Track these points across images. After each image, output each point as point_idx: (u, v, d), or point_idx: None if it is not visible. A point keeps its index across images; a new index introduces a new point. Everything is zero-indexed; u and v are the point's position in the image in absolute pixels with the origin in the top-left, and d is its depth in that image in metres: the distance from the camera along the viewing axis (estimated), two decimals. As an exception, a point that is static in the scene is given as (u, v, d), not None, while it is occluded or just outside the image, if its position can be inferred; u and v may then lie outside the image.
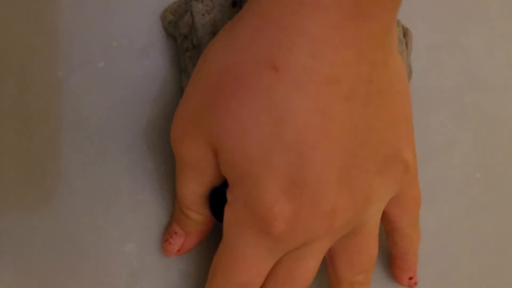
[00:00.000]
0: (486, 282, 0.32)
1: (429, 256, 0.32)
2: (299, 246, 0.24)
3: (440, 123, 0.33)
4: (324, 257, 0.27)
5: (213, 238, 0.31)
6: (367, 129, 0.23)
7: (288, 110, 0.21)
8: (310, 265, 0.26)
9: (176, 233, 0.29)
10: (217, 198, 0.26)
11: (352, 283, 0.27)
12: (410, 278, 0.30)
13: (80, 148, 0.31)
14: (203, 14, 0.28)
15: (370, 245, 0.26)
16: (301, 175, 0.22)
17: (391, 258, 0.30)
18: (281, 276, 0.25)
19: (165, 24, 0.31)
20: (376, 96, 0.22)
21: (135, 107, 0.31)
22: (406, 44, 0.31)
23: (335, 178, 0.22)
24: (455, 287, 0.32)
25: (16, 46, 0.31)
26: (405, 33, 0.31)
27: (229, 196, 0.24)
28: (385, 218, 0.28)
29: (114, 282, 0.30)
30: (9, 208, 0.30)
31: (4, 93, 0.31)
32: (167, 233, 0.30)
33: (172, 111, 0.32)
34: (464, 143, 0.32)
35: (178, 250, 0.29)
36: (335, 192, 0.22)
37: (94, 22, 0.32)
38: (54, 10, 0.31)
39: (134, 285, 0.30)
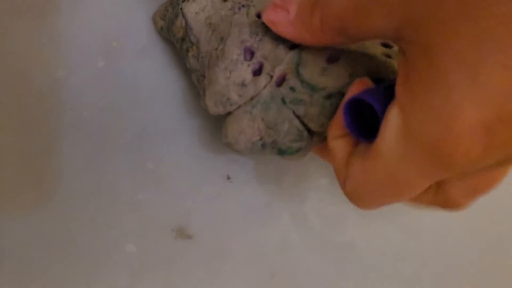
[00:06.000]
0: (486, 282, 0.32)
1: (429, 256, 0.32)
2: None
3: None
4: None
5: (211, 235, 0.31)
6: None
7: None
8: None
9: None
10: (357, 109, 0.23)
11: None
12: None
13: (80, 148, 0.31)
14: (197, 13, 0.28)
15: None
16: None
17: None
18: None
19: (158, 29, 0.31)
20: None
21: (135, 107, 0.31)
22: None
23: None
24: (455, 287, 0.32)
25: (16, 46, 0.31)
26: None
27: (396, 107, 0.19)
28: None
29: (114, 282, 0.30)
30: (9, 208, 0.30)
31: (4, 93, 0.31)
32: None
33: (172, 110, 0.32)
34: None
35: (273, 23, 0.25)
36: None
37: (94, 22, 0.32)
38: (54, 10, 0.31)
39: (134, 285, 0.30)
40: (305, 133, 0.26)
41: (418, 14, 0.18)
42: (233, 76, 0.26)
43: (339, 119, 0.23)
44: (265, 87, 0.26)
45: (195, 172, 0.31)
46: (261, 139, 0.27)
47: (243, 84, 0.26)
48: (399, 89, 0.19)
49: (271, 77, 0.26)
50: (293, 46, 0.26)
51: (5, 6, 0.31)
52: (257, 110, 0.26)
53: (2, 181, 0.30)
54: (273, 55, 0.26)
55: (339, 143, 0.23)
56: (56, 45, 0.31)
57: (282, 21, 0.24)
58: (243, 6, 0.28)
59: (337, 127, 0.24)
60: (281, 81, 0.26)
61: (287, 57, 0.26)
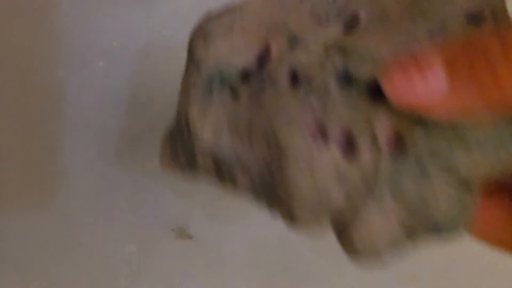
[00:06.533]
0: (486, 282, 0.32)
1: (429, 256, 0.32)
2: None
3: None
4: None
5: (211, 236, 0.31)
6: None
7: None
8: None
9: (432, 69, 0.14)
10: None
11: None
12: None
13: (80, 148, 0.31)
14: (215, 133, 0.19)
15: None
16: None
17: None
18: None
19: (172, 169, 0.22)
20: None
21: (135, 107, 0.31)
22: None
23: None
24: (456, 287, 0.32)
25: (16, 46, 0.31)
26: None
27: None
28: None
29: (114, 282, 0.30)
30: (9, 208, 0.30)
31: (4, 93, 0.31)
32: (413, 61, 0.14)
33: (172, 110, 0.32)
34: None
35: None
36: None
37: (94, 22, 0.32)
38: (54, 10, 0.31)
39: (134, 285, 0.30)
40: (465, 192, 0.17)
41: None
42: (316, 169, 0.17)
43: None
44: (376, 161, 0.17)
45: (195, 172, 0.31)
46: (406, 230, 0.18)
47: (339, 173, 0.17)
48: None
49: (375, 143, 0.17)
50: (375, 90, 0.17)
51: (5, 6, 0.31)
52: (386, 195, 0.17)
53: (2, 181, 0.30)
54: (359, 115, 0.17)
55: None
56: (56, 45, 0.31)
57: (428, 96, 0.14)
58: (262, 84, 0.18)
59: None
60: (397, 143, 0.17)
61: (385, 107, 0.16)
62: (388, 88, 0.15)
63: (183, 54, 0.32)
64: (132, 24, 0.32)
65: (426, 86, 0.14)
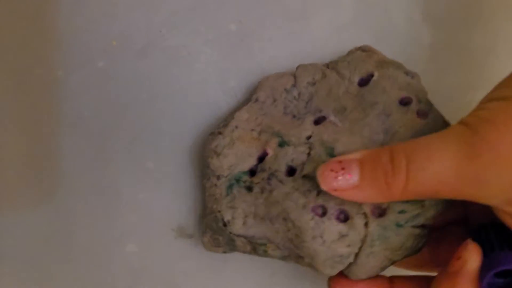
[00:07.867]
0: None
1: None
2: None
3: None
4: None
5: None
6: None
7: None
8: None
9: (349, 170, 0.23)
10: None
11: None
12: None
13: (80, 148, 0.31)
14: (244, 223, 0.27)
15: None
16: None
17: None
18: None
19: (220, 252, 0.30)
20: None
21: (135, 107, 0.31)
22: None
23: None
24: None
25: (16, 46, 0.31)
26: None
27: None
28: None
29: (114, 282, 0.30)
30: (9, 208, 0.30)
31: (4, 93, 0.31)
32: (337, 163, 0.24)
33: (172, 110, 0.32)
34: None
35: (335, 190, 0.24)
36: None
37: (94, 22, 0.32)
38: (54, 10, 0.31)
39: (134, 285, 0.30)
40: (425, 231, 0.26)
41: None
42: (326, 238, 0.25)
43: None
44: (366, 224, 0.25)
45: (195, 171, 0.31)
46: (390, 261, 0.26)
47: (342, 236, 0.25)
48: None
49: (365, 214, 0.25)
50: None
51: (5, 5, 0.31)
52: (377, 247, 0.25)
53: (2, 181, 0.30)
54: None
55: None
56: (56, 45, 0.31)
57: (346, 187, 0.23)
58: (269, 178, 0.27)
59: None
60: (380, 211, 0.25)
61: None
62: (319, 178, 0.24)
63: (183, 54, 0.32)
64: (132, 24, 0.32)
65: (344, 180, 0.23)
